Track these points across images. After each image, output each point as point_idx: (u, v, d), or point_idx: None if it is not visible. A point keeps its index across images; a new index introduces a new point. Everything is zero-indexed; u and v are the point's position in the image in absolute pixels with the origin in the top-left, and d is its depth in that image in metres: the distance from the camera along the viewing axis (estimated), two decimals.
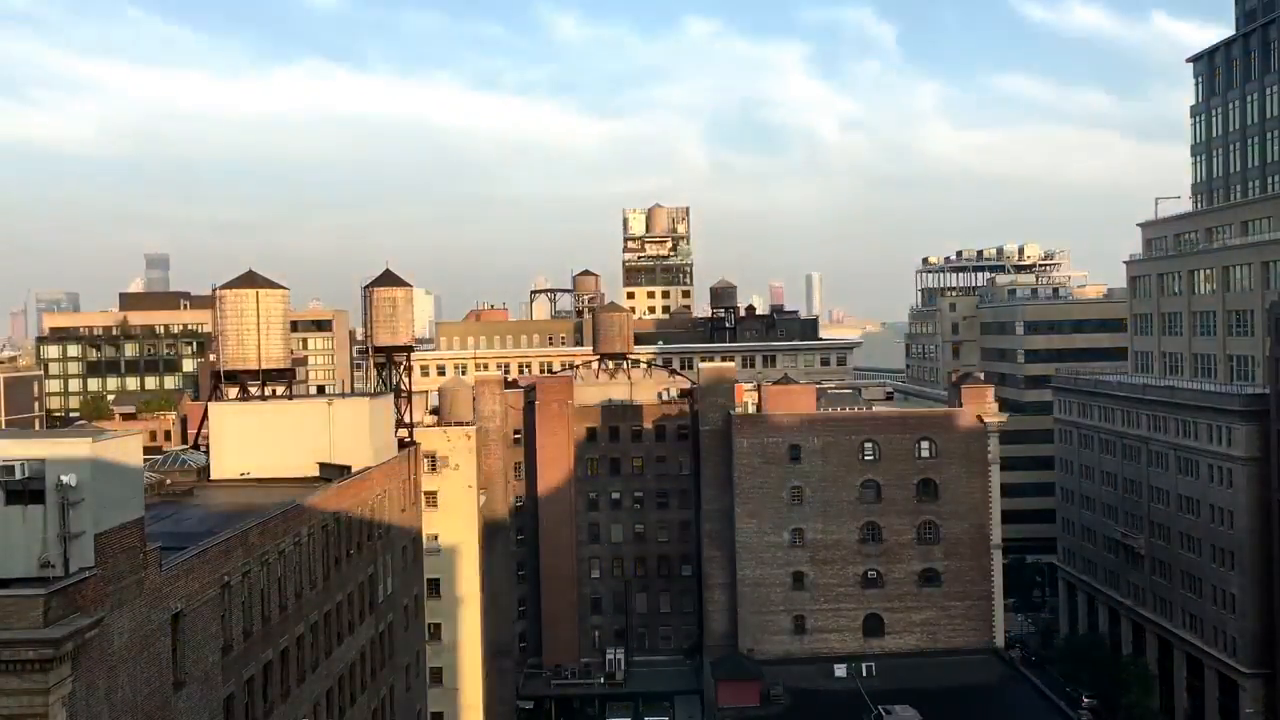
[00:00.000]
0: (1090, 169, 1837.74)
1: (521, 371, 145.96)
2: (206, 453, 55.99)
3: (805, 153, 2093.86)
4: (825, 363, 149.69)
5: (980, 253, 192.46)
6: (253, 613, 37.15)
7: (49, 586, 24.42)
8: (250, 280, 62.43)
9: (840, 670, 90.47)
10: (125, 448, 28.50)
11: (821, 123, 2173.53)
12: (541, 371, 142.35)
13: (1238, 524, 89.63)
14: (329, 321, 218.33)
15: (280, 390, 64.36)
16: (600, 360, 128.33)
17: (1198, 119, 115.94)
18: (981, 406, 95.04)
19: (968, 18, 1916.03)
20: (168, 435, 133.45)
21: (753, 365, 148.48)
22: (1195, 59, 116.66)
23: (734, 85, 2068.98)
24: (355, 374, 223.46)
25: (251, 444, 53.09)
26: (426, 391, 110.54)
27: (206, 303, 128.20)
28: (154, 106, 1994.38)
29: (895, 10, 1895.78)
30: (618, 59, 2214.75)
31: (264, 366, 62.05)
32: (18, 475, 25.47)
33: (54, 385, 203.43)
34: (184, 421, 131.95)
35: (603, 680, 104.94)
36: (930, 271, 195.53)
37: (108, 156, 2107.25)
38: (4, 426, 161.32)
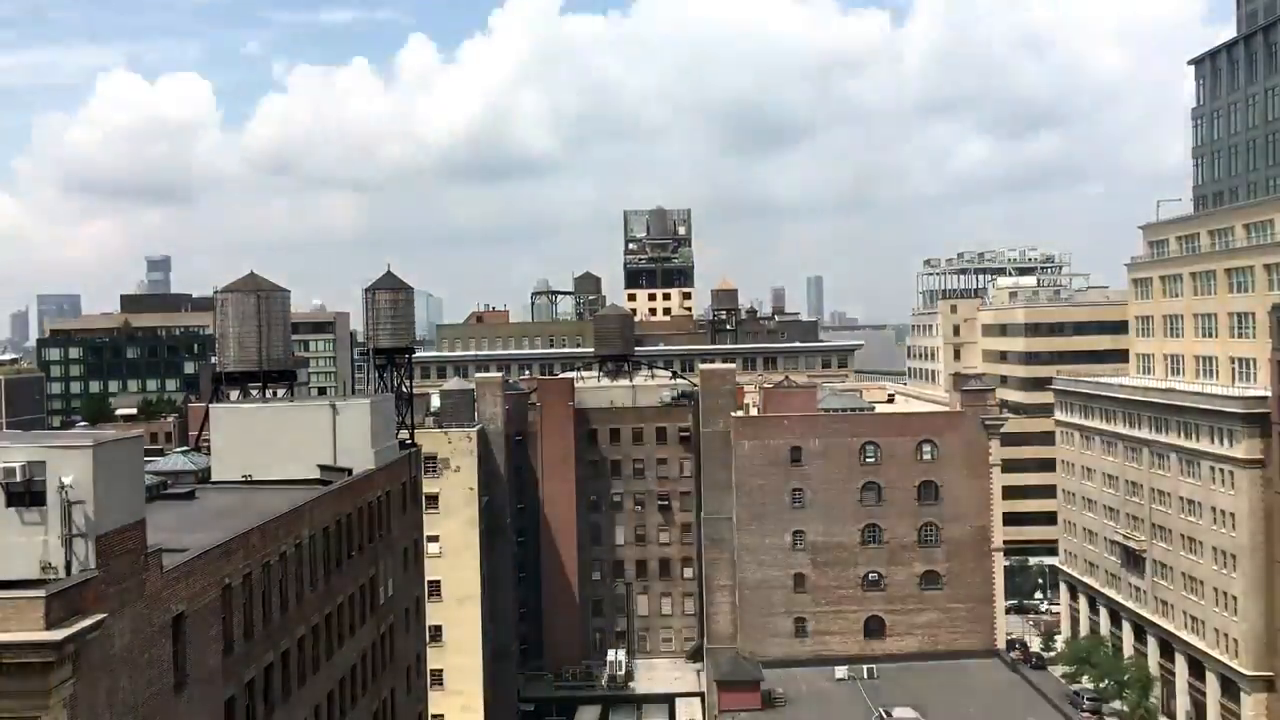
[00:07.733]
0: None
1: (523, 373, 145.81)
2: (208, 455, 55.97)
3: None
4: (826, 365, 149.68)
5: (981, 254, 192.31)
6: (254, 615, 37.12)
7: (50, 589, 24.36)
8: (251, 282, 62.45)
9: (841, 672, 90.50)
10: (126, 450, 28.47)
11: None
12: (543, 373, 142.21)
13: (1240, 526, 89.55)
14: (330, 323, 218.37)
15: (281, 392, 64.39)
16: (601, 362, 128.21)
17: (1199, 121, 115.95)
18: (982, 408, 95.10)
19: None
20: (169, 437, 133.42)
21: (754, 367, 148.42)
22: (1197, 61, 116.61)
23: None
24: (356, 376, 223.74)
25: (253, 446, 53.00)
26: (428, 393, 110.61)
27: (208, 305, 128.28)
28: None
29: None
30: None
31: (265, 368, 62.08)
32: (19, 477, 25.46)
33: (56, 387, 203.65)
34: (185, 423, 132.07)
35: (604, 682, 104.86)
36: (931, 273, 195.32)
37: None
38: (5, 428, 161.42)
